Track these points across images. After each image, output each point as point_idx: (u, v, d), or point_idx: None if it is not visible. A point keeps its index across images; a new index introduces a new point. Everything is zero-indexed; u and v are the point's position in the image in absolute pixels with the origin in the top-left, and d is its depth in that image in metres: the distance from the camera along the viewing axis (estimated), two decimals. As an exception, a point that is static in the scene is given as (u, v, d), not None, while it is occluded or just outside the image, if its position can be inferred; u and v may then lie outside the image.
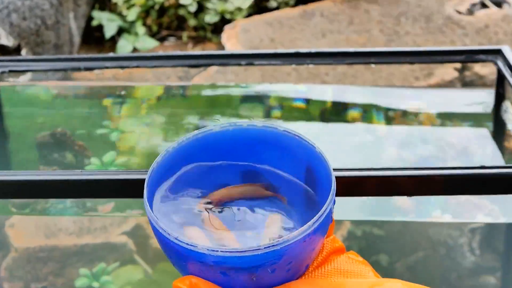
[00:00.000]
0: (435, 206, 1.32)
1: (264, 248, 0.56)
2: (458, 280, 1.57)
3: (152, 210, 0.63)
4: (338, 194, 0.64)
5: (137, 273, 1.68)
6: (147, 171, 0.67)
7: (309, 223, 0.58)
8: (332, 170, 0.63)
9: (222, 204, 0.67)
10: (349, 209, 1.14)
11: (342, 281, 0.61)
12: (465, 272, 1.57)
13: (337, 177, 0.65)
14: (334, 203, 0.61)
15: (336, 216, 0.64)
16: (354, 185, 0.84)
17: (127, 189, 0.83)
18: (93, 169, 1.28)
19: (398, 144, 1.45)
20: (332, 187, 0.61)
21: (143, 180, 0.65)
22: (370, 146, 1.45)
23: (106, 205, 1.14)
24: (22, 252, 1.63)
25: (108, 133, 1.34)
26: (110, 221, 1.74)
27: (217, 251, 0.57)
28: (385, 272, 1.62)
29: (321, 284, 0.60)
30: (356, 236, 1.63)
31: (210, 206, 0.67)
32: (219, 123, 0.68)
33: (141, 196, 0.64)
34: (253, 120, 0.71)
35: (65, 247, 1.65)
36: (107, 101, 1.43)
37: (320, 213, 0.59)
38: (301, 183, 0.69)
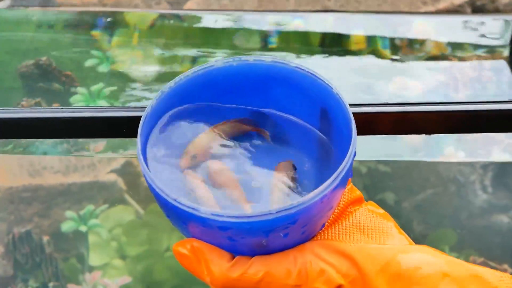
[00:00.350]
0: (447, 142, 1.22)
1: (277, 212, 0.50)
2: (469, 219, 1.50)
3: (147, 164, 0.56)
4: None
5: (127, 214, 1.61)
6: (138, 107, 0.59)
7: (328, 181, 0.51)
8: (352, 116, 0.56)
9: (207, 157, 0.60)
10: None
11: (362, 246, 0.54)
12: (476, 211, 1.50)
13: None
14: (355, 155, 0.54)
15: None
16: (368, 123, 0.75)
17: (116, 129, 0.73)
18: (80, 100, 1.19)
19: (405, 75, 1.36)
20: (353, 137, 0.54)
21: (134, 118, 0.58)
22: (374, 78, 1.35)
23: (98, 144, 1.05)
24: (5, 192, 1.54)
25: (98, 63, 1.26)
26: (99, 158, 1.65)
27: (222, 216, 0.51)
28: (391, 211, 1.54)
29: (338, 248, 0.54)
30: (360, 174, 1.55)
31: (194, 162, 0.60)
32: (221, 58, 0.60)
33: (132, 135, 0.58)
34: (260, 56, 0.61)
35: (50, 186, 1.56)
36: (95, 32, 1.33)
37: (340, 168, 0.52)
38: (314, 128, 0.62)
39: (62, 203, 1.51)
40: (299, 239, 0.54)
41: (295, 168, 0.59)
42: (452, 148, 1.23)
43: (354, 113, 0.56)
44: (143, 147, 0.57)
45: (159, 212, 1.58)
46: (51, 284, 1.42)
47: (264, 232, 0.51)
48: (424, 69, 1.37)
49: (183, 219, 0.53)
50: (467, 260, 1.43)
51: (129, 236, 1.58)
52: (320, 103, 0.59)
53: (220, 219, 0.50)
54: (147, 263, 1.59)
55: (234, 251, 0.54)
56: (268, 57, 0.60)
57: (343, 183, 0.53)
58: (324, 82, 0.58)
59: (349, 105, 0.57)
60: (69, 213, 1.42)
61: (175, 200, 0.52)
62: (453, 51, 1.41)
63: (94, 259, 1.53)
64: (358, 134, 0.55)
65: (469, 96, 1.32)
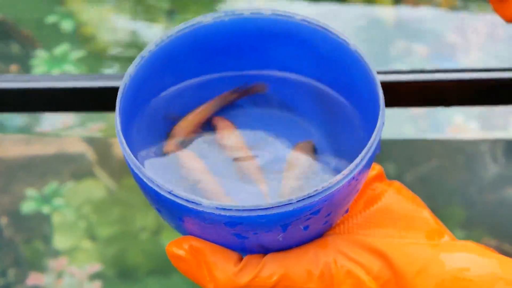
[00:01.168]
0: (454, 110, 1.08)
1: (298, 201, 0.43)
2: (478, 193, 1.38)
3: (128, 147, 0.47)
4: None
5: (97, 189, 1.47)
6: (113, 76, 0.58)
7: (356, 160, 0.44)
8: (377, 78, 0.48)
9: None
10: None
11: (396, 242, 0.47)
12: (486, 184, 1.37)
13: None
14: (383, 126, 0.46)
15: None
16: (388, 93, 0.61)
17: (87, 101, 0.64)
18: (40, 64, 1.05)
19: (409, 34, 1.23)
20: (381, 104, 0.46)
21: (108, 89, 0.54)
22: (374, 36, 1.22)
23: (64, 119, 0.94)
24: (-42, 166, 1.40)
25: (60, 20, 1.10)
26: (63, 124, 1.49)
27: (231, 209, 0.43)
28: None
29: (367, 244, 0.47)
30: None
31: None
32: (211, 14, 0.53)
33: (107, 109, 0.56)
34: (258, 8, 0.53)
35: (10, 158, 1.41)
36: None
37: (369, 143, 0.45)
38: (328, 90, 0.53)
39: (23, 179, 1.35)
40: (320, 230, 0.48)
41: (316, 151, 0.52)
42: (461, 118, 1.09)
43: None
44: (124, 127, 0.48)
45: (133, 187, 1.44)
46: (11, 272, 1.27)
47: (281, 225, 0.44)
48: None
49: (178, 215, 0.46)
50: (478, 242, 1.30)
51: (100, 215, 1.45)
52: (334, 65, 0.52)
53: (228, 213, 0.43)
54: (119, 246, 1.46)
55: (242, 250, 0.47)
56: (267, 9, 0.52)
57: (371, 161, 0.46)
58: (339, 37, 0.50)
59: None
60: (30, 192, 1.27)
61: (169, 193, 0.44)
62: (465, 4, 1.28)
63: (60, 241, 1.39)
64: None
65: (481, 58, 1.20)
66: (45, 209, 1.26)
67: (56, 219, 1.37)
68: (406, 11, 1.24)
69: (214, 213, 0.43)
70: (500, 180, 1.39)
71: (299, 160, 0.51)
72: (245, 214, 0.43)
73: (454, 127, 1.10)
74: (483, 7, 1.25)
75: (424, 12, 1.24)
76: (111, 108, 0.52)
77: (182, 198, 0.44)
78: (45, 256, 1.35)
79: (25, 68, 1.16)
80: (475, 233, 1.36)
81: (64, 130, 0.92)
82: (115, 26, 1.11)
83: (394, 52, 1.22)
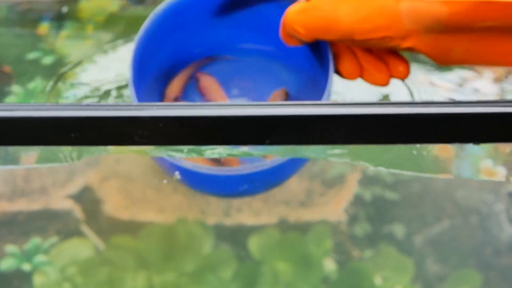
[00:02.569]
0: (481, 152, 0.99)
1: None
2: (494, 256, 1.28)
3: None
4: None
5: (84, 249, 1.37)
6: (93, 106, 0.52)
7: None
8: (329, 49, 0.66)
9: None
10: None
11: None
12: (503, 247, 1.28)
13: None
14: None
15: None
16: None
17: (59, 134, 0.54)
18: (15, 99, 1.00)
19: None
20: (330, 63, 0.64)
21: (86, 119, 0.49)
22: None
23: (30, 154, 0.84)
24: None
25: (41, 57, 1.03)
26: (52, 181, 1.40)
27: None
28: (400, 246, 1.34)
29: None
30: (363, 202, 1.34)
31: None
32: None
33: (82, 143, 0.51)
34: None
35: (-9, 215, 1.32)
36: (43, 26, 1.10)
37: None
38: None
39: (5, 236, 1.25)
40: None
41: (288, 95, 0.64)
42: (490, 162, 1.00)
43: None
44: (135, 79, 0.61)
45: (122, 247, 1.34)
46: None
47: None
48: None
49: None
50: (498, 307, 1.20)
51: (86, 276, 1.34)
52: None
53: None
54: (107, 310, 1.36)
55: None
56: None
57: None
58: None
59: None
60: (10, 248, 1.17)
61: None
62: None
63: (41, 305, 1.28)
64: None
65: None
66: (26, 267, 1.15)
67: (37, 279, 1.27)
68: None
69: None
70: (517, 242, 1.30)
71: None
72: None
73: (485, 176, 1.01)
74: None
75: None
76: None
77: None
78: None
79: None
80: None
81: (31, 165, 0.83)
82: (97, 62, 1.06)
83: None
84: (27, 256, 1.16)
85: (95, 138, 0.54)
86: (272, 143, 0.52)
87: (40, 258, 1.16)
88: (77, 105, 0.55)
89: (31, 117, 0.54)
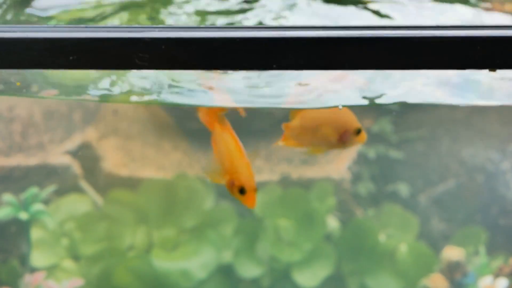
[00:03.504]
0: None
1: None
2: (500, 216, 1.26)
3: None
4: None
5: (82, 204, 1.34)
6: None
7: None
8: None
9: None
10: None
11: None
12: (510, 206, 1.26)
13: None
14: None
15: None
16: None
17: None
18: None
19: None
20: None
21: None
22: None
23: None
24: None
25: None
26: (50, 137, 1.37)
27: None
28: (405, 205, 1.32)
29: None
30: (367, 160, 1.32)
31: None
32: None
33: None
34: None
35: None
36: None
37: None
38: None
39: (2, 191, 1.23)
40: None
41: None
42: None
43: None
44: None
45: (121, 202, 1.32)
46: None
47: None
48: None
49: None
50: (507, 261, 1.18)
51: (84, 232, 1.32)
52: None
53: None
54: (105, 265, 1.33)
55: None
56: None
57: None
58: None
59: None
60: (7, 197, 1.14)
61: None
62: None
63: (38, 259, 1.26)
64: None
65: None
66: (23, 216, 1.13)
67: (35, 233, 1.25)
68: None
69: None
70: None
71: None
72: None
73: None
74: None
75: None
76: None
77: None
78: (20, 273, 1.22)
79: None
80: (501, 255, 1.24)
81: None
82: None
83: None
84: (24, 205, 1.14)
85: (95, 61, 0.51)
86: (280, 67, 0.49)
87: (37, 207, 1.14)
88: (75, 26, 0.52)
89: (26, 38, 0.51)
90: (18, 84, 0.84)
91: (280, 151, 1.43)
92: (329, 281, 1.35)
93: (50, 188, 1.16)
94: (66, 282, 1.11)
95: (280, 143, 0.66)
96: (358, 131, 0.76)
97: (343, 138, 0.84)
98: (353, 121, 0.84)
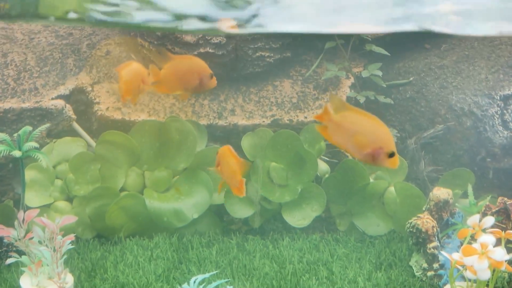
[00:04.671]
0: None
1: None
2: (488, 160, 1.27)
3: None
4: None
5: (76, 146, 1.34)
6: None
7: None
8: None
9: None
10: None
11: None
12: (497, 150, 1.26)
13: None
14: None
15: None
16: None
17: None
18: None
19: None
20: None
21: None
22: None
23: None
24: None
25: None
26: (43, 82, 1.36)
27: None
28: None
29: None
30: (358, 105, 1.32)
31: None
32: None
33: None
34: None
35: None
36: None
37: None
38: None
39: (-6, 132, 1.23)
40: None
41: None
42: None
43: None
44: None
45: (114, 143, 1.32)
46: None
47: None
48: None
49: None
50: (493, 201, 1.19)
51: (78, 173, 1.31)
52: None
53: None
54: (98, 205, 1.33)
55: None
56: None
57: None
58: None
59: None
60: (0, 135, 1.14)
61: None
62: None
63: (31, 199, 1.26)
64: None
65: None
66: (17, 153, 1.13)
67: (29, 173, 1.25)
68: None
69: None
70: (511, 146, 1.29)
71: None
72: None
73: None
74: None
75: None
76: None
77: None
78: (13, 213, 1.22)
79: None
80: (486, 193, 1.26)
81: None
82: None
83: None
84: (18, 142, 1.14)
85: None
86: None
87: (30, 145, 1.14)
88: None
89: None
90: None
91: (271, 96, 1.42)
92: (319, 221, 1.36)
93: (43, 127, 1.14)
94: (60, 219, 1.11)
95: None
96: (391, 154, 0.91)
97: (375, 155, 0.91)
98: (390, 143, 0.89)
